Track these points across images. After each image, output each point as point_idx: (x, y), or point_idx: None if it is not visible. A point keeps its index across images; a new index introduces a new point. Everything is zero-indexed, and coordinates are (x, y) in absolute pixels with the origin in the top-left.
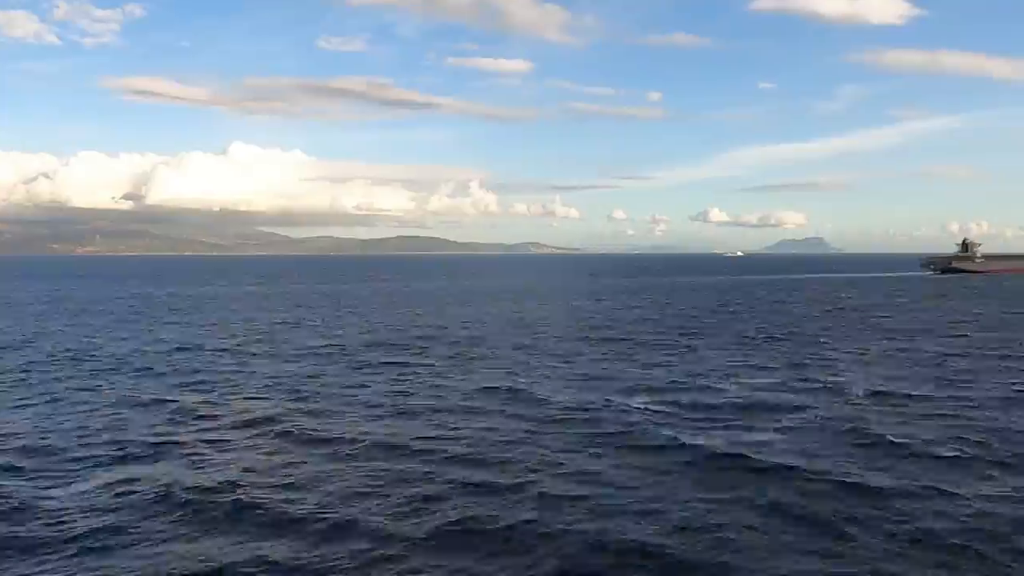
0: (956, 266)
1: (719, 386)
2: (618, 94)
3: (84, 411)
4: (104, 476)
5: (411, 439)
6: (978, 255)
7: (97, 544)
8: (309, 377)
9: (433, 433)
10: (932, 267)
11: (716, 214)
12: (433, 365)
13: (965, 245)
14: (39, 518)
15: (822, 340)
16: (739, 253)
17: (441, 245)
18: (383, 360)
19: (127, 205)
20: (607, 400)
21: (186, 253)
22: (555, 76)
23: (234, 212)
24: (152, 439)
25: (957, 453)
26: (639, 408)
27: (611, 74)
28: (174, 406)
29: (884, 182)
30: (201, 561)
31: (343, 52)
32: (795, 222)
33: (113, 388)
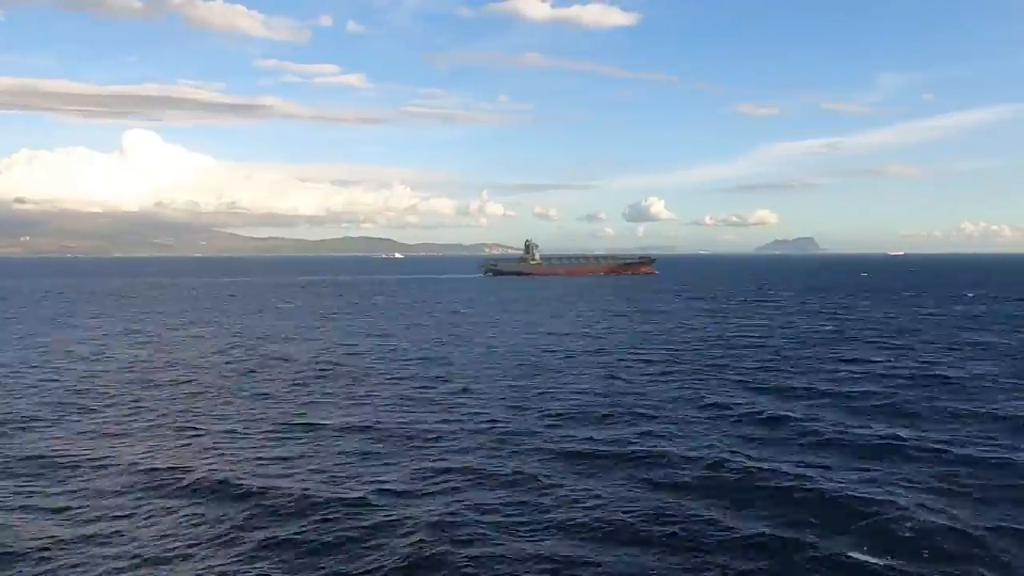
0: (502, 268)
1: None
2: (458, 97)
3: None
4: None
5: None
6: (535, 257)
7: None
8: None
9: None
10: (486, 270)
11: (664, 212)
12: None
13: (527, 247)
14: None
15: None
16: (396, 255)
17: (392, 247)
18: None
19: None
20: None
21: (139, 255)
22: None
23: (156, 214)
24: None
25: None
26: None
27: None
28: None
29: (865, 183)
30: None
31: (133, 61)
32: (770, 221)
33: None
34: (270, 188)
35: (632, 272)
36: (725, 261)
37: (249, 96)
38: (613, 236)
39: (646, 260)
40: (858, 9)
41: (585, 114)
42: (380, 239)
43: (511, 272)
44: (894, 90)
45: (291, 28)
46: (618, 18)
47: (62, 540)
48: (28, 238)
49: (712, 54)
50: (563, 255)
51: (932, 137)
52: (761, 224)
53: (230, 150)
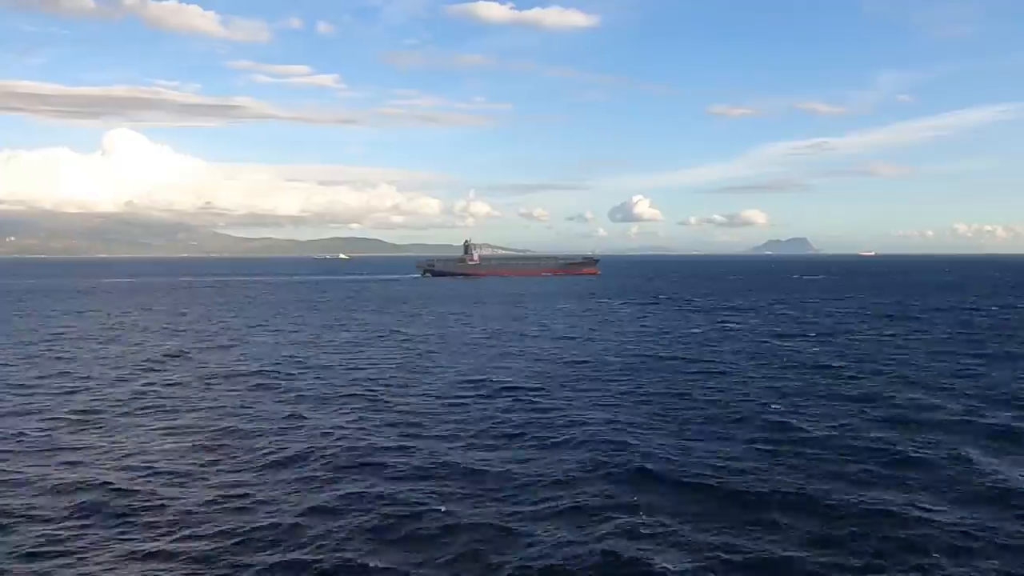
0: (440, 269)
1: None
2: (433, 98)
3: None
4: None
5: None
6: (474, 258)
7: None
8: None
9: None
10: (423, 271)
11: (648, 212)
12: None
13: (466, 247)
14: None
15: None
16: (341, 256)
17: (381, 247)
18: None
19: None
20: None
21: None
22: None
23: (142, 214)
24: None
25: None
26: None
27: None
28: None
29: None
30: None
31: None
32: (763, 223)
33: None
34: (256, 188)
35: (575, 273)
36: (698, 262)
37: (226, 97)
38: (605, 237)
39: (589, 261)
40: (845, 8)
41: (563, 115)
42: (369, 239)
43: (448, 273)
44: (888, 90)
45: (260, 29)
46: (578, 19)
47: None
48: (14, 238)
49: (684, 55)
50: (505, 256)
51: (925, 137)
52: (753, 225)
53: (214, 150)
